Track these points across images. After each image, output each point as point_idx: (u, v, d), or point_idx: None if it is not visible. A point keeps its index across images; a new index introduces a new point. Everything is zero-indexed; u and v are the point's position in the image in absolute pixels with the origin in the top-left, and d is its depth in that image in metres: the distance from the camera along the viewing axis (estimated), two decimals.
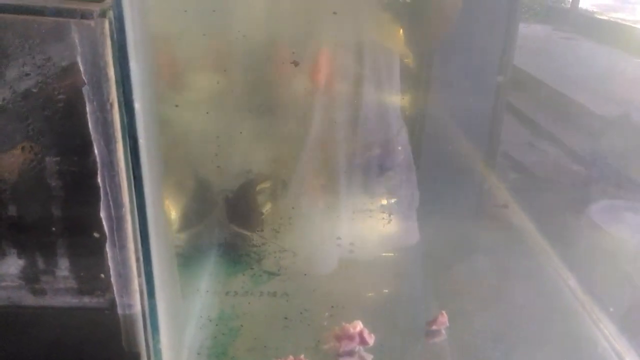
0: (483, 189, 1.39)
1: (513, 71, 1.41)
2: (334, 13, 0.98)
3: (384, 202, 1.16)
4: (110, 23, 0.57)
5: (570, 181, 1.43)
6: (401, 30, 1.14)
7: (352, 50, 1.05)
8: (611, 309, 0.98)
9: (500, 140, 1.45)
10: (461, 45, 1.30)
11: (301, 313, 0.98)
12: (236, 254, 1.11)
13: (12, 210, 0.64)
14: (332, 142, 1.08)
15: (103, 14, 0.57)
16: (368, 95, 1.08)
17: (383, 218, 1.14)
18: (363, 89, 1.07)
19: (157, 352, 0.72)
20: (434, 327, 0.94)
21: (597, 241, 1.19)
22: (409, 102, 1.36)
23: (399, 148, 1.16)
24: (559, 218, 1.27)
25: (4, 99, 0.59)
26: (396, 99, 1.14)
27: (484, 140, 1.45)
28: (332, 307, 0.99)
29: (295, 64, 0.98)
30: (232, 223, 1.11)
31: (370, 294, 1.05)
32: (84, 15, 0.56)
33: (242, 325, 0.94)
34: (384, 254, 1.15)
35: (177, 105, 0.94)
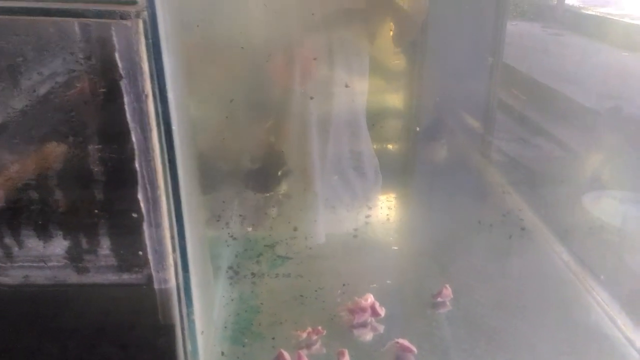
0: (482, 181, 1.46)
1: (503, 68, 1.48)
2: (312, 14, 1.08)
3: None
4: (144, 22, 0.64)
5: (563, 173, 1.48)
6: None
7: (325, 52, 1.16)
8: (602, 277, 1.05)
9: (494, 135, 1.52)
10: (452, 44, 1.38)
11: (315, 291, 1.05)
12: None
13: (58, 195, 0.71)
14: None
15: (138, 15, 0.64)
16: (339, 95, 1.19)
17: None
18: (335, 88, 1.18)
19: (191, 324, 0.78)
20: (439, 299, 1.01)
21: (588, 223, 1.26)
22: (402, 102, 1.45)
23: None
24: (554, 205, 1.34)
25: (50, 93, 0.66)
26: (362, 98, 1.25)
27: (477, 135, 1.53)
28: (344, 285, 1.06)
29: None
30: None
31: (378, 274, 1.12)
32: (123, 16, 0.63)
33: (261, 304, 1.01)
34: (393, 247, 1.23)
35: (232, 100, 1.04)
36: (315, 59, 1.15)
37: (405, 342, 0.90)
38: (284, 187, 1.28)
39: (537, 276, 1.10)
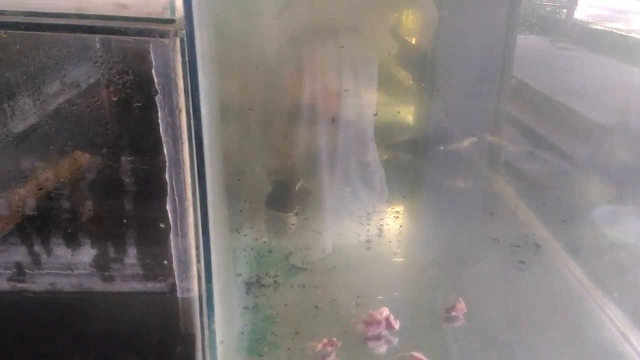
0: (491, 194, 1.48)
1: (513, 82, 1.49)
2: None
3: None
4: (181, 41, 0.66)
5: (574, 188, 1.49)
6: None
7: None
8: (615, 294, 1.06)
9: (502, 149, 1.53)
10: (462, 57, 1.40)
11: (330, 302, 1.06)
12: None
13: (89, 204, 0.72)
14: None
15: (176, 34, 0.66)
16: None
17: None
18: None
19: (212, 333, 0.80)
20: (453, 313, 1.03)
21: (598, 239, 1.27)
22: (412, 112, 1.47)
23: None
24: (565, 221, 1.35)
25: (88, 106, 0.68)
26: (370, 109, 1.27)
27: (486, 149, 1.54)
28: (358, 297, 1.07)
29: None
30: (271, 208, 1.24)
31: (392, 286, 1.13)
32: (162, 35, 0.65)
33: (277, 314, 1.02)
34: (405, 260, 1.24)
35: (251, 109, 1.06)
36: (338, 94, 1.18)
37: (420, 355, 0.91)
38: (301, 205, 1.30)
39: (550, 292, 1.12)
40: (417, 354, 0.91)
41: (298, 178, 1.32)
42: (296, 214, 1.30)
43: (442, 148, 1.42)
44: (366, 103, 1.27)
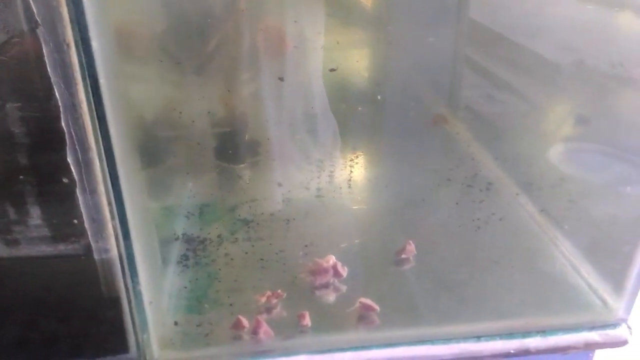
0: (447, 137, 1.43)
1: (470, 24, 1.43)
2: None
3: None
4: None
5: (528, 127, 1.46)
6: None
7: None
8: (565, 227, 1.04)
9: (461, 93, 1.48)
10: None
11: (276, 254, 1.01)
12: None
13: None
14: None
15: None
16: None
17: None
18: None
19: (137, 295, 0.73)
20: (403, 256, 0.99)
21: (552, 176, 1.24)
22: (370, 57, 1.39)
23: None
24: (519, 159, 1.32)
25: None
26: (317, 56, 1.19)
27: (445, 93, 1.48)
28: (306, 246, 1.02)
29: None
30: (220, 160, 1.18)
31: (340, 234, 1.09)
32: None
33: (219, 269, 0.97)
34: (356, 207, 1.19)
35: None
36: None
37: (367, 301, 0.88)
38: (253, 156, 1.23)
39: (502, 229, 1.09)
40: (364, 300, 0.88)
41: (246, 129, 1.24)
42: (245, 166, 1.24)
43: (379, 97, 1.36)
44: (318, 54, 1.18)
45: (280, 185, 1.19)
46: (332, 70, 1.17)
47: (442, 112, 1.45)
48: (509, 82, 1.55)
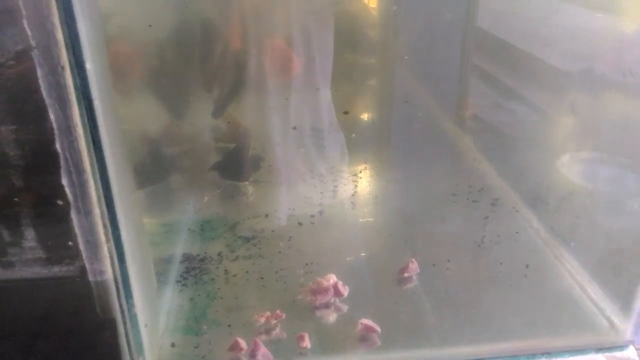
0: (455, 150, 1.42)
1: (478, 33, 1.42)
2: None
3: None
4: None
5: (536, 137, 1.44)
6: None
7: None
8: (572, 244, 1.02)
9: (469, 102, 1.47)
10: (425, 9, 1.31)
11: (276, 272, 1.00)
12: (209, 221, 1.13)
13: None
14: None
15: None
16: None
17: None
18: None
19: (133, 317, 0.72)
20: (406, 274, 0.97)
21: (561, 187, 1.22)
22: (377, 67, 1.38)
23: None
24: (525, 171, 1.30)
25: None
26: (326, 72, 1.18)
27: (453, 103, 1.47)
28: (307, 264, 1.01)
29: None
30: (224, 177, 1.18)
31: (343, 250, 1.07)
32: None
33: (219, 288, 0.96)
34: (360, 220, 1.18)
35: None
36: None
37: (369, 322, 0.86)
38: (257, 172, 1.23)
39: (508, 246, 1.07)
40: (366, 321, 0.86)
41: (249, 145, 1.23)
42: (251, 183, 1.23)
43: (406, 101, 1.34)
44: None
45: (267, 216, 1.17)
46: (345, 113, 1.17)
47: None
48: (516, 91, 1.53)
